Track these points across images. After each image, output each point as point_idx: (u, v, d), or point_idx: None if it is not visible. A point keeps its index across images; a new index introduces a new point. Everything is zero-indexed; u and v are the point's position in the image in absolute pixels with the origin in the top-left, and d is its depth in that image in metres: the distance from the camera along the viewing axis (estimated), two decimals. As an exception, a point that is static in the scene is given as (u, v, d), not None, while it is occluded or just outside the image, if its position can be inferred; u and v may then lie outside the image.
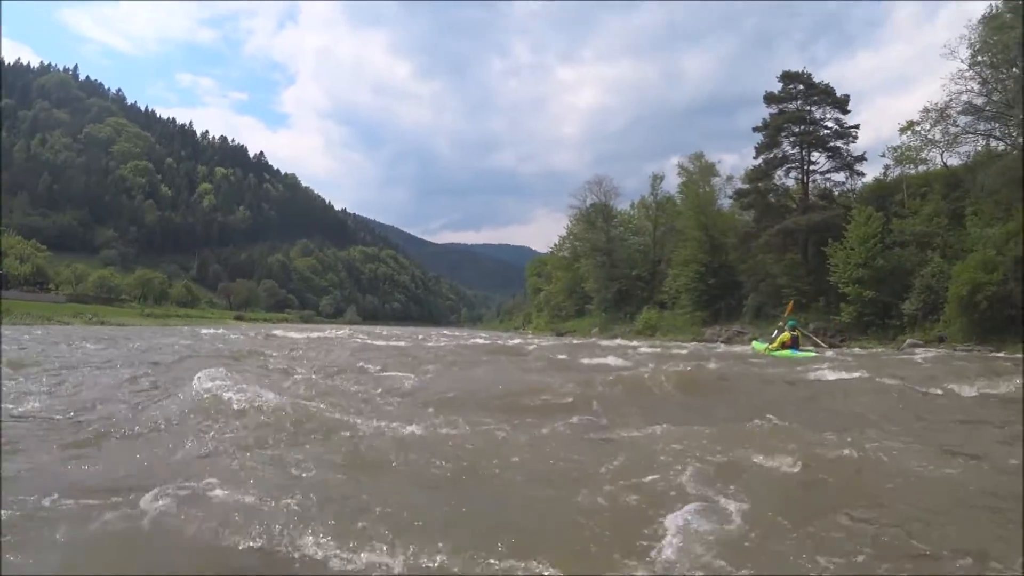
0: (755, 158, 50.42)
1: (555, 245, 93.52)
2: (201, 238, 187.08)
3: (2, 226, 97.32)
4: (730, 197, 57.11)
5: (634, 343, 36.66)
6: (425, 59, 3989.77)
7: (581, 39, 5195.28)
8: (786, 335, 20.04)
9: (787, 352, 19.14)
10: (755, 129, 50.19)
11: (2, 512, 3.26)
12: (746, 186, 51.41)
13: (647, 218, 71.64)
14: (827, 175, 48.31)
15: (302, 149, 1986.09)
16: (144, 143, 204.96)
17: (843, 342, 40.60)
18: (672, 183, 69.03)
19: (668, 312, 58.67)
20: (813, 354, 19.04)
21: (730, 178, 60.93)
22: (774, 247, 47.16)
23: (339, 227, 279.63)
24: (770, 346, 20.49)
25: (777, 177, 49.51)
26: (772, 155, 49.26)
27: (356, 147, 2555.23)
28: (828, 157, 47.54)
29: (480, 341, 34.39)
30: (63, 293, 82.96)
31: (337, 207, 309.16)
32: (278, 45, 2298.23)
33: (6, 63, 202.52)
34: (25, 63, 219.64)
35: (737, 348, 30.07)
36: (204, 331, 41.95)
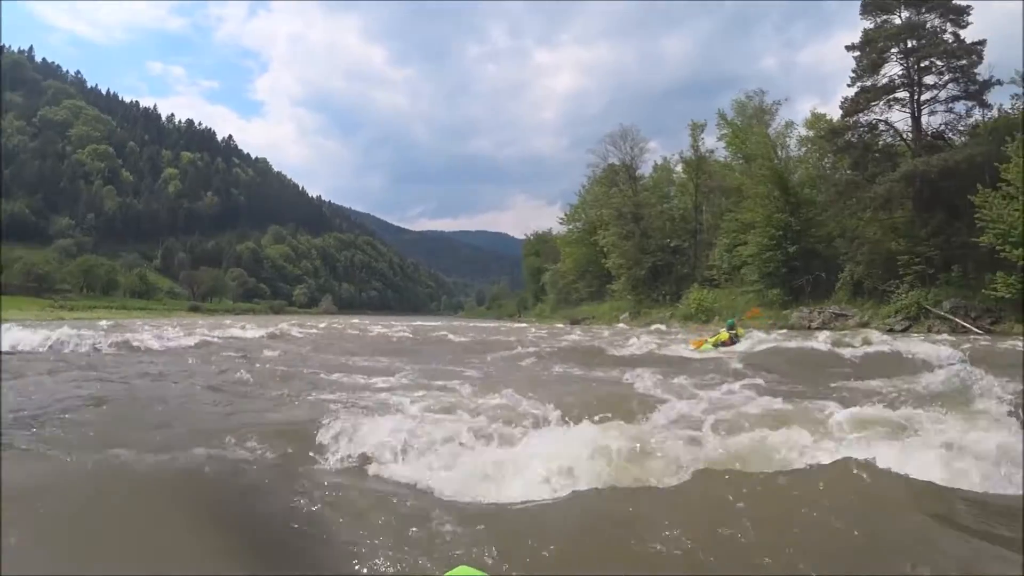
0: (850, 85, 38.96)
1: (564, 216, 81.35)
2: (166, 225, 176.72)
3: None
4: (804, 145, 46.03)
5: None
6: (400, 44, 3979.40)
7: (559, 22, 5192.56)
8: (724, 334, 18.84)
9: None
10: (849, 47, 38.76)
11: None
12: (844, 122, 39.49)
13: (687, 176, 59.28)
14: (949, 105, 36.94)
15: (276, 137, 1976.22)
16: (104, 126, 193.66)
17: (995, 324, 30.00)
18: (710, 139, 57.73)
19: (723, 291, 47.20)
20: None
21: (790, 124, 49.68)
22: (879, 203, 35.87)
23: (314, 214, 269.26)
24: (708, 341, 18.92)
25: (878, 111, 38.16)
26: (871, 82, 37.95)
27: (331, 134, 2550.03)
28: (951, 81, 36.19)
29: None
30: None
31: (312, 194, 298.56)
32: (249, 32, 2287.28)
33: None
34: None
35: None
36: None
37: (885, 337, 19.42)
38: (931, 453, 3.96)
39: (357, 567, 2.75)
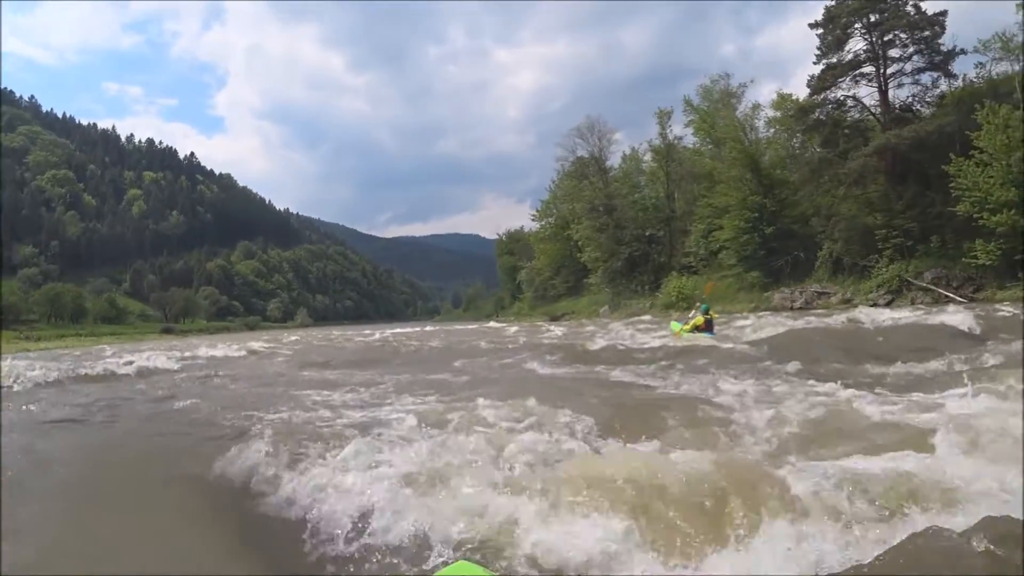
0: (815, 63, 38.81)
1: (536, 212, 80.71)
2: (133, 248, 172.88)
3: None
4: (773, 127, 45.88)
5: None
6: (358, 49, 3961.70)
7: (516, 20, 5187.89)
8: (700, 319, 18.79)
9: (702, 335, 17.72)
10: (812, 25, 38.60)
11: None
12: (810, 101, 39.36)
13: (658, 165, 58.86)
14: (915, 77, 36.91)
15: (240, 152, 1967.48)
16: (62, 151, 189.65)
17: (977, 292, 30.01)
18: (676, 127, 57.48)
19: (702, 277, 46.89)
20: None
21: (757, 107, 49.53)
22: (853, 179, 35.73)
23: (282, 227, 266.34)
24: (684, 327, 19.25)
25: (845, 87, 38.06)
26: (836, 59, 37.86)
27: (295, 146, 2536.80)
28: (916, 53, 36.14)
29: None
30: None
31: (279, 207, 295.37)
32: (205, 46, 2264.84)
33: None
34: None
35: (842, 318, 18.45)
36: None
37: (868, 311, 19.19)
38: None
39: (356, 562, 2.86)
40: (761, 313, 33.18)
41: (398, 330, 39.31)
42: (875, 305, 30.09)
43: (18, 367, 13.29)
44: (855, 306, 30.20)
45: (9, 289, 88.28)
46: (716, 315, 20.26)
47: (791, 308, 34.79)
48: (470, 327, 41.38)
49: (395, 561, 2.92)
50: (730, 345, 12.64)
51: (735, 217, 41.79)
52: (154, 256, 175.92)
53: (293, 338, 34.80)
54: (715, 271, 45.97)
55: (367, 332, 37.43)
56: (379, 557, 2.98)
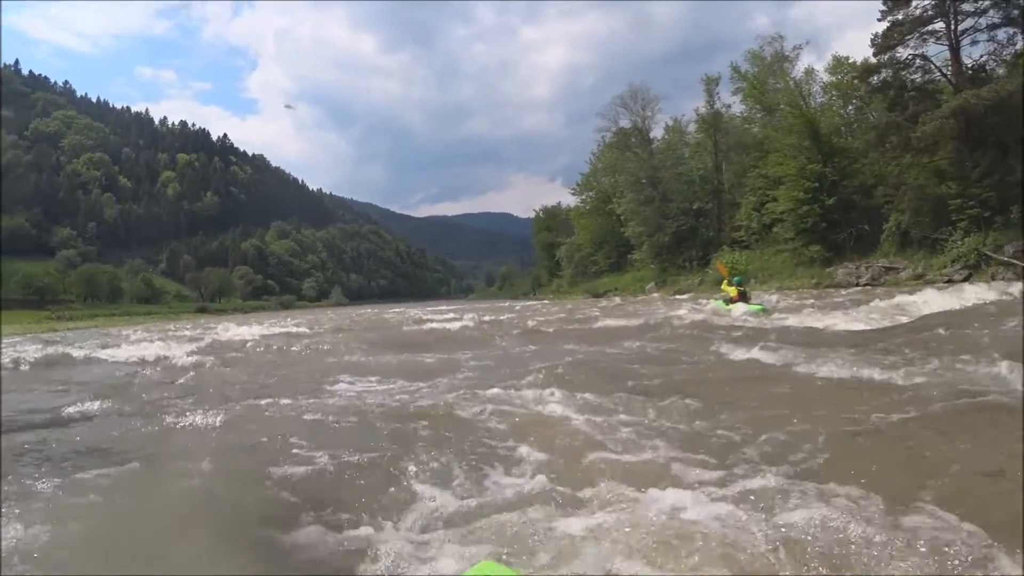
0: (880, 19, 36.23)
1: (575, 186, 78.60)
2: (168, 229, 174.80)
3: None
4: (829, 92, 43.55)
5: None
6: (388, 31, 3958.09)
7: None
8: (733, 290, 18.49)
9: (737, 306, 17.35)
10: (879, -21, 36.05)
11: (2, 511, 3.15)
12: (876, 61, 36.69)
13: (705, 135, 56.34)
14: (991, 33, 34.21)
15: (272, 134, 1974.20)
16: (97, 134, 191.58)
17: (1066, 267, 27.69)
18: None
19: (755, 252, 44.79)
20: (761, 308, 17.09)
21: (811, 71, 47.04)
22: (925, 145, 33.25)
23: (316, 207, 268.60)
24: (716, 299, 20.32)
25: (912, 46, 35.51)
26: (903, 15, 35.32)
27: (327, 126, 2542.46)
28: (992, 7, 33.48)
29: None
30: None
31: (312, 188, 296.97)
32: (235, 30, 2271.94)
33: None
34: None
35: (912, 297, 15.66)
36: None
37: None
38: None
39: (380, 564, 2.76)
40: (827, 290, 31.42)
41: (443, 307, 38.04)
42: (950, 281, 27.91)
43: None
44: (929, 282, 28.18)
45: (45, 270, 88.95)
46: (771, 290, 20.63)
47: (857, 284, 32.68)
48: (536, 305, 40.29)
49: (418, 559, 2.80)
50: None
51: (792, 187, 39.36)
52: (189, 236, 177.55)
53: (343, 322, 33.60)
54: (769, 245, 43.75)
55: (414, 313, 36.00)
56: (400, 555, 2.84)
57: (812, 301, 20.45)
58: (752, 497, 3.03)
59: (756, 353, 7.47)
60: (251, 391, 7.35)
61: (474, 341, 12.99)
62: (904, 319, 10.90)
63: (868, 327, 10.40)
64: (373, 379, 7.93)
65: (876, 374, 5.66)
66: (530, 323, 18.18)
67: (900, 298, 14.47)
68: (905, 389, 4.99)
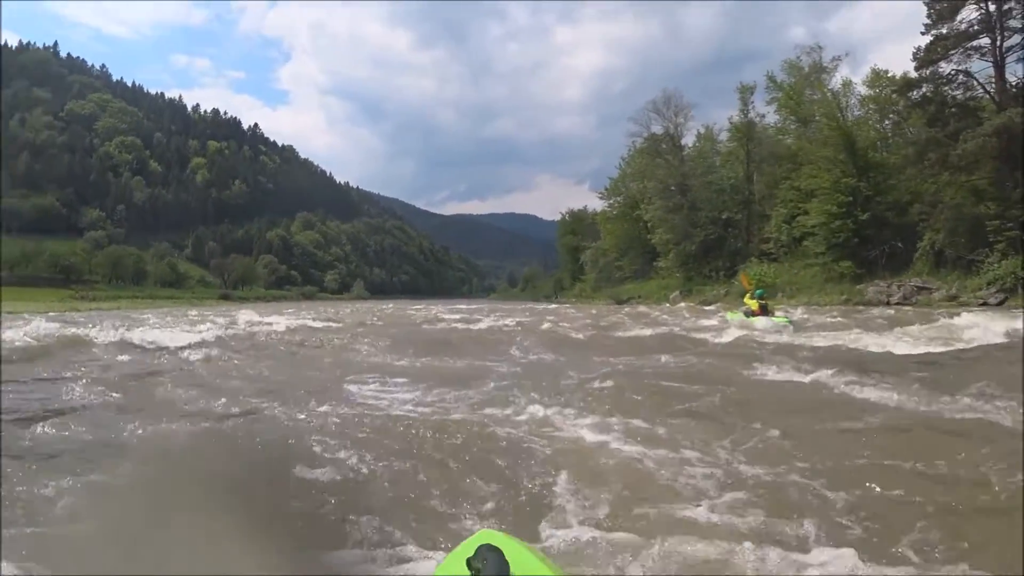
0: (924, 32, 35.53)
1: (603, 191, 77.93)
2: (196, 215, 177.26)
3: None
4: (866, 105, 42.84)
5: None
6: (423, 27, 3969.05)
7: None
8: (754, 303, 18.39)
9: (757, 319, 17.30)
10: (922, -9, 35.36)
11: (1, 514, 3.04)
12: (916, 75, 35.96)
13: (737, 144, 55.59)
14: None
15: (303, 126, 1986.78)
16: (131, 118, 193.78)
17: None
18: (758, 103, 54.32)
19: (783, 265, 44.15)
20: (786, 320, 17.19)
21: (848, 83, 46.24)
22: (965, 163, 32.48)
23: (342, 200, 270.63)
24: (737, 312, 19.78)
25: (955, 61, 34.77)
26: (947, 29, 34.60)
27: (360, 121, 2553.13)
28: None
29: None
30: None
31: (340, 181, 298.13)
32: (271, 22, 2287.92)
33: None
34: (3, 42, 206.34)
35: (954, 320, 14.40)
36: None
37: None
38: None
39: (379, 533, 2.91)
40: (857, 307, 30.80)
41: (465, 306, 37.84)
42: (985, 304, 27.26)
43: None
44: (963, 304, 27.53)
45: (72, 249, 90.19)
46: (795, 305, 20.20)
47: (887, 303, 32.02)
48: (564, 309, 39.89)
49: (418, 528, 2.93)
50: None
51: (825, 201, 38.66)
52: (216, 223, 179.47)
53: (372, 316, 33.39)
54: (798, 259, 43.05)
55: (437, 311, 35.75)
56: (401, 524, 2.98)
57: (841, 318, 19.84)
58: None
59: (820, 376, 6.97)
60: (270, 389, 7.03)
61: (502, 345, 12.51)
62: (963, 344, 10.32)
63: (928, 349, 9.81)
64: (399, 382, 7.57)
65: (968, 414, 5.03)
66: (559, 329, 17.71)
67: (960, 319, 13.71)
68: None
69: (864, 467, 3.79)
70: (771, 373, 7.55)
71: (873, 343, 10.89)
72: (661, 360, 9.12)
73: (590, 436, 4.74)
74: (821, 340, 12.00)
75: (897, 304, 31.42)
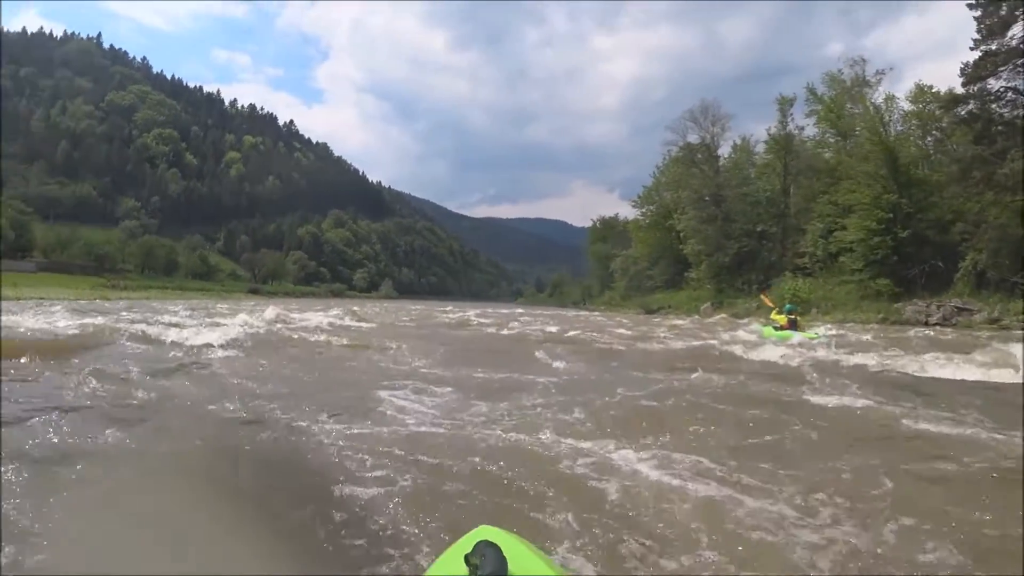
0: (973, 48, 34.68)
1: (636, 199, 77.34)
2: (229, 208, 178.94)
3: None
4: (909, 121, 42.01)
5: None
6: (461, 28, 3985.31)
7: (618, 4, 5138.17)
8: (783, 318, 18.65)
9: (788, 333, 17.37)
10: (971, 6, 34.48)
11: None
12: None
13: (774, 156, 54.72)
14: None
15: (338, 124, 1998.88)
16: (169, 111, 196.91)
17: None
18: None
19: (818, 280, 43.30)
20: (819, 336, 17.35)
21: (891, 98, 45.26)
22: (1014, 181, 31.59)
23: (374, 199, 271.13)
24: (768, 327, 19.30)
25: (1004, 77, 33.89)
26: (996, 46, 33.75)
27: (394, 120, 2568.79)
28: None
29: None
30: (33, 261, 71.90)
31: (372, 180, 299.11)
32: (310, 20, 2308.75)
33: (28, 32, 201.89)
34: (48, 32, 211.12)
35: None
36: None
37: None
38: None
39: (376, 526, 2.95)
40: (895, 326, 30.07)
41: (492, 310, 37.62)
42: (1027, 327, 26.44)
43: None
44: (1004, 328, 26.76)
45: (104, 238, 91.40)
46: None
47: (926, 323, 31.19)
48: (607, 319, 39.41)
49: (415, 524, 2.92)
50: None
51: (864, 217, 37.88)
52: (248, 218, 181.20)
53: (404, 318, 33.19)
54: (834, 275, 42.18)
55: (467, 314, 35.41)
56: (398, 519, 2.98)
57: (877, 337, 19.25)
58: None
59: (879, 402, 6.51)
60: (286, 393, 6.76)
61: (535, 353, 12.08)
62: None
63: (985, 379, 9.23)
64: (436, 391, 7.11)
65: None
66: (594, 338, 17.30)
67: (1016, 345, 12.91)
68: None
69: (974, 523, 3.25)
70: (825, 397, 7.06)
71: (920, 365, 10.32)
72: (704, 377, 8.67)
73: (658, 477, 4.01)
74: (867, 359, 11.44)
75: (936, 325, 30.60)
